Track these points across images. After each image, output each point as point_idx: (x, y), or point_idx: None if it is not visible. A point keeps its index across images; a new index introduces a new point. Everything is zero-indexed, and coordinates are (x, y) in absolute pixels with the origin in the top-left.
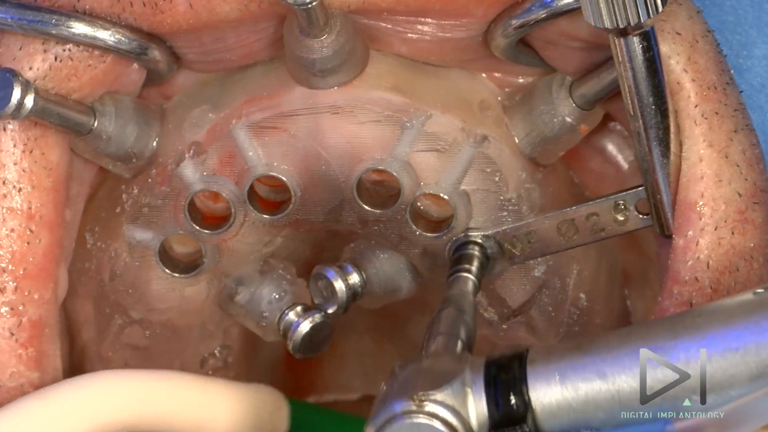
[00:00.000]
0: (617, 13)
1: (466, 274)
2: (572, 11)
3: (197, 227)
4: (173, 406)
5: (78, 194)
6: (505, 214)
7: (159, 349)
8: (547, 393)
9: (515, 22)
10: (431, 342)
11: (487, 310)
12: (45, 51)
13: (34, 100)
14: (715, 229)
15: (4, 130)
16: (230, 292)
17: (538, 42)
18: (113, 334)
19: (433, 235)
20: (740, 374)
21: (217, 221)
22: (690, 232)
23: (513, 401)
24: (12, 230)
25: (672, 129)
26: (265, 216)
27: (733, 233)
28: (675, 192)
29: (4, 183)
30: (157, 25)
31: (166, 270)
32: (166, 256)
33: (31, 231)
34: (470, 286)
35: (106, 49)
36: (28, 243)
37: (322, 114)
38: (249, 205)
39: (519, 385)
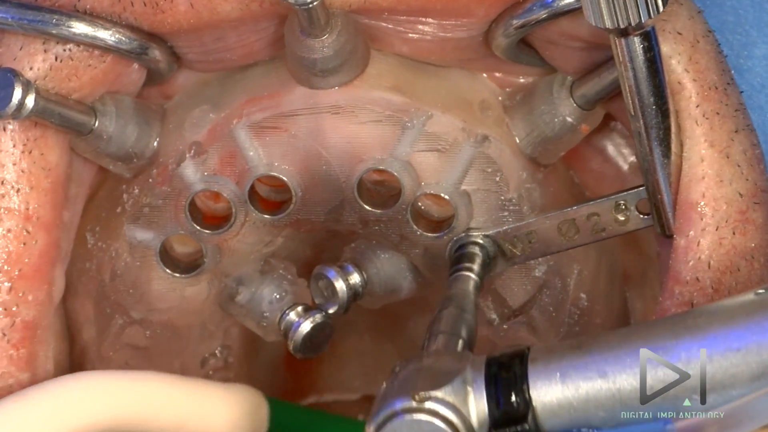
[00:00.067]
0: (618, 13)
1: (467, 273)
2: (573, 11)
3: (198, 227)
4: (153, 406)
5: (77, 195)
6: (505, 214)
7: (159, 349)
8: (547, 392)
9: (516, 22)
10: (432, 341)
11: (487, 310)
12: (45, 51)
13: (35, 100)
14: (717, 229)
15: (4, 130)
16: (231, 292)
17: (539, 42)
18: (113, 334)
19: (434, 235)
20: (741, 374)
21: (218, 221)
22: (691, 232)
23: (514, 400)
24: (8, 230)
25: (673, 129)
26: (265, 216)
27: (734, 233)
28: (676, 192)
29: (2, 183)
30: (157, 25)
31: (167, 270)
32: (166, 256)
33: (27, 232)
34: (471, 285)
35: (106, 48)
36: (24, 244)
37: (323, 114)
38: (250, 205)
39: (520, 383)
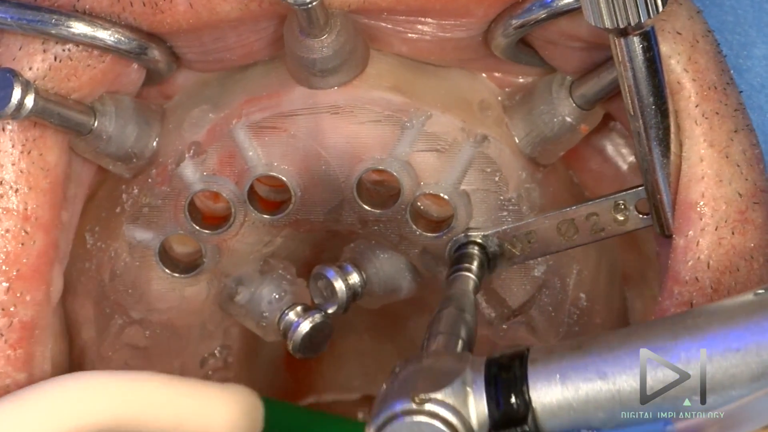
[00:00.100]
0: (617, 13)
1: (466, 273)
2: (572, 11)
3: (197, 227)
4: (148, 407)
5: (76, 195)
6: (505, 214)
7: (159, 349)
8: (547, 393)
9: (515, 22)
10: (431, 341)
11: (487, 310)
12: (45, 51)
13: (35, 100)
14: (716, 229)
15: (3, 130)
16: (230, 292)
17: (539, 42)
18: (113, 334)
19: (433, 235)
20: (741, 374)
21: (217, 221)
22: (690, 232)
23: (513, 401)
24: (7, 231)
25: (672, 129)
26: (265, 216)
27: (733, 233)
28: (675, 192)
29: (1, 183)
30: (157, 25)
31: (166, 270)
32: (166, 256)
33: (26, 232)
34: (471, 285)
35: (105, 48)
36: (22, 244)
37: (322, 114)
38: (249, 205)
39: (520, 384)
